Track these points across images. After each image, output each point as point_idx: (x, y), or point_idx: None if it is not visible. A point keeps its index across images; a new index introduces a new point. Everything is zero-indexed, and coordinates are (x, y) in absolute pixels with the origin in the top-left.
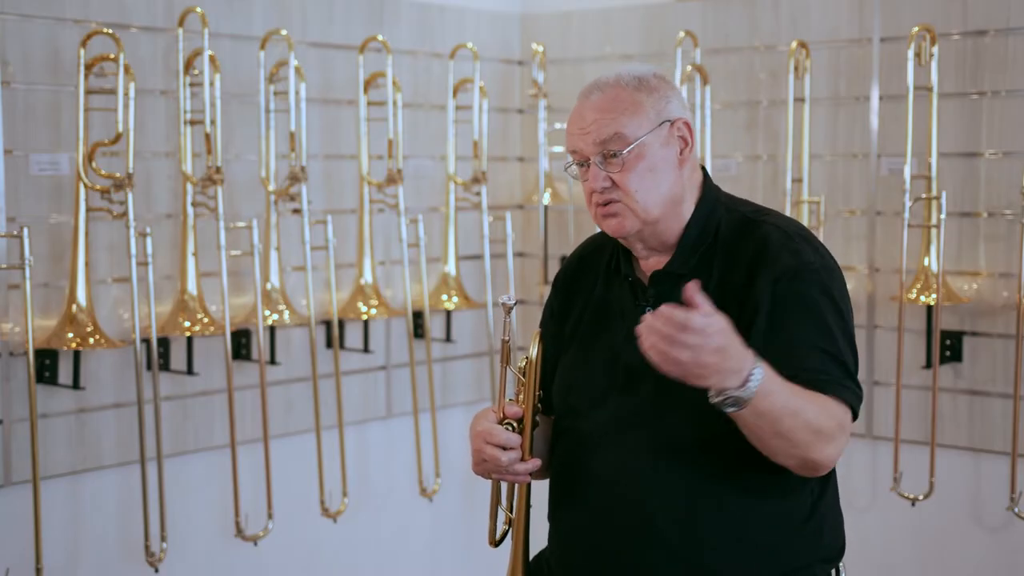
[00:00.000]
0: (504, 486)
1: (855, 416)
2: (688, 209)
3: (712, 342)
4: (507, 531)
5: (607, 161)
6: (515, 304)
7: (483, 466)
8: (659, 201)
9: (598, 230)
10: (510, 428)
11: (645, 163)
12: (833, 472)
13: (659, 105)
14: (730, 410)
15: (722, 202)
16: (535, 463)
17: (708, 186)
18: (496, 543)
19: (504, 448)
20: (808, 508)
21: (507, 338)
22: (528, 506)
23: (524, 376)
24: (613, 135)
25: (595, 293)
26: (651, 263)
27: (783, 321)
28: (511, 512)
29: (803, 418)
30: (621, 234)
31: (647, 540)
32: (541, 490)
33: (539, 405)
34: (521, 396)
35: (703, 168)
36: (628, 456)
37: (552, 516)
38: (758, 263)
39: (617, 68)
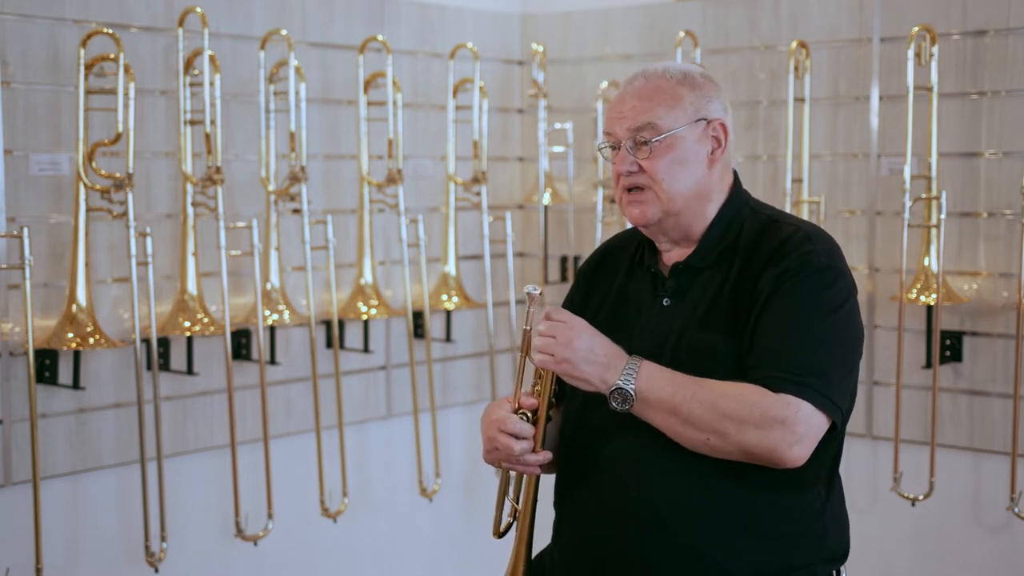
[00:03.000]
0: (512, 477)
1: (831, 416)
2: (714, 208)
3: (576, 332)
4: (511, 524)
5: (637, 147)
6: (540, 293)
7: (494, 454)
8: (683, 193)
9: (599, 230)
10: (524, 418)
11: (674, 154)
12: (839, 477)
13: (699, 102)
14: (625, 406)
15: (749, 205)
16: (546, 455)
17: (737, 189)
18: (500, 534)
19: (517, 438)
20: (814, 507)
21: (529, 327)
22: (535, 499)
23: (543, 368)
24: (647, 124)
25: (615, 286)
26: (673, 256)
27: (768, 315)
28: (517, 504)
29: (700, 401)
30: (643, 222)
31: (652, 530)
32: (547, 484)
33: (554, 399)
34: (537, 388)
35: (735, 172)
36: (636, 447)
37: (558, 504)
38: (770, 260)
39: (667, 62)
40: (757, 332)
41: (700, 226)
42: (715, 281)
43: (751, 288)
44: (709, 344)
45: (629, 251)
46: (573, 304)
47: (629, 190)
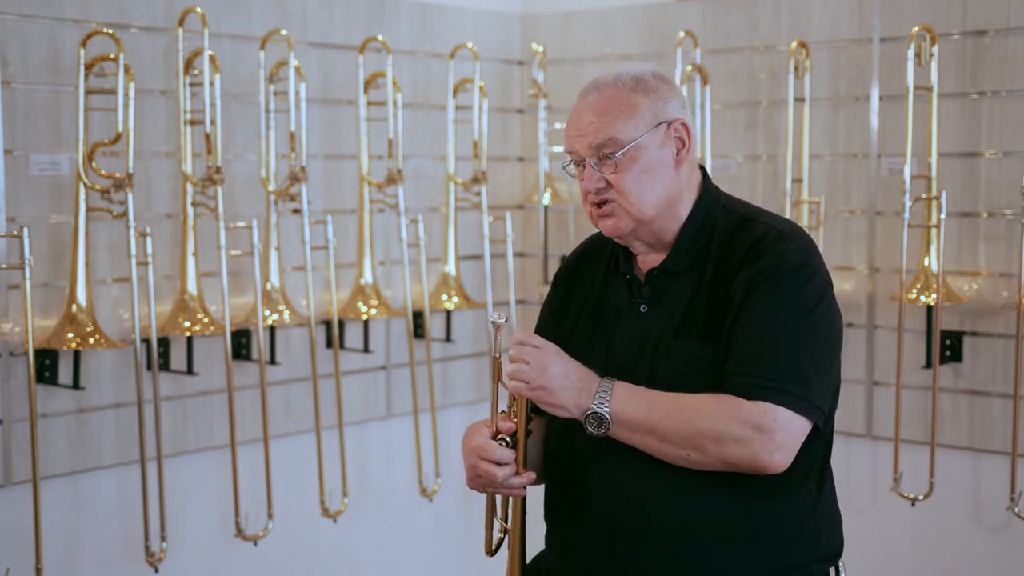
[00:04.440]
0: (498, 498)
1: (813, 419)
2: (685, 208)
3: (548, 359)
4: (502, 539)
5: (602, 162)
6: (504, 322)
7: (478, 481)
8: (654, 201)
9: (597, 229)
10: (504, 443)
11: (640, 164)
12: (830, 473)
13: (656, 106)
14: (602, 430)
15: (720, 202)
16: (530, 476)
17: (707, 186)
18: (492, 552)
19: (499, 464)
20: (805, 507)
21: (497, 355)
22: (523, 514)
23: (518, 395)
24: (607, 139)
25: (593, 291)
26: (648, 261)
27: (743, 318)
28: (506, 522)
29: (675, 421)
30: (616, 234)
31: (643, 541)
32: (536, 496)
33: (531, 414)
34: (514, 409)
35: (702, 168)
36: (623, 460)
37: (549, 521)
38: (743, 261)
39: (617, 67)
40: (733, 337)
41: (674, 228)
42: (690, 285)
43: (725, 291)
44: (687, 350)
45: (604, 255)
46: (551, 308)
47: (599, 204)
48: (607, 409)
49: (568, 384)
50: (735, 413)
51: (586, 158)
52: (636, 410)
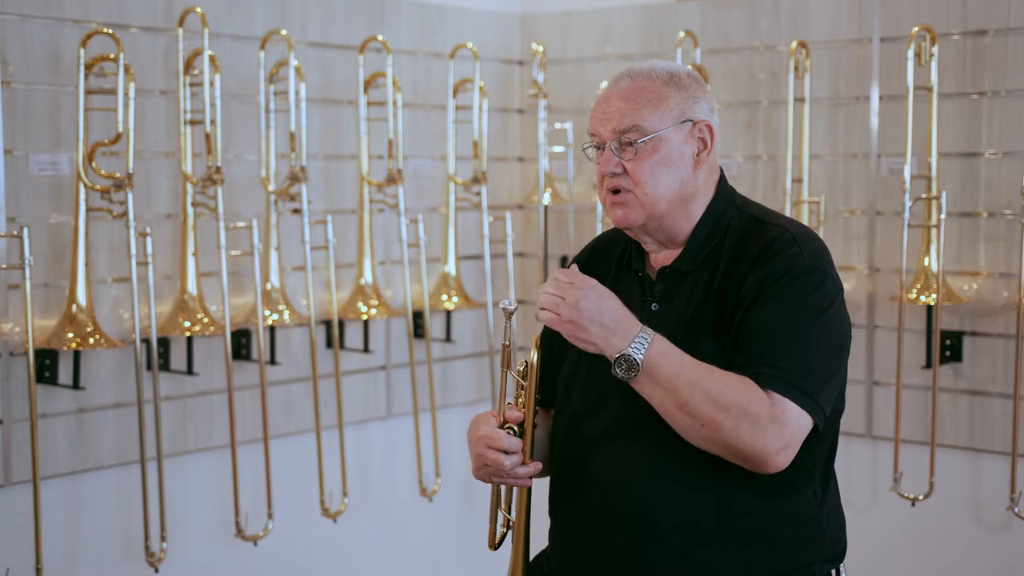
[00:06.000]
0: (503, 489)
1: (815, 419)
2: (699, 209)
3: (582, 293)
4: (505, 534)
5: (622, 148)
6: (515, 309)
7: (485, 470)
8: (666, 195)
9: (599, 230)
10: (511, 432)
11: (659, 156)
12: (834, 475)
13: (685, 104)
14: (629, 375)
15: (736, 204)
16: (536, 466)
17: (723, 187)
18: (495, 546)
19: (507, 453)
20: (810, 509)
21: (507, 343)
22: (529, 508)
23: (525, 380)
24: (632, 126)
25: None
26: (660, 258)
27: (754, 317)
28: (510, 515)
29: (702, 388)
30: (626, 224)
31: (647, 538)
32: (540, 491)
33: (537, 408)
34: (521, 400)
35: (721, 170)
36: (629, 455)
37: (553, 517)
38: (756, 262)
39: (654, 61)
40: (742, 334)
41: (686, 228)
42: (702, 284)
43: (737, 290)
44: (697, 349)
45: (616, 252)
46: None
47: (614, 192)
48: (641, 356)
49: (601, 321)
50: (757, 393)
51: (607, 142)
52: (670, 366)
